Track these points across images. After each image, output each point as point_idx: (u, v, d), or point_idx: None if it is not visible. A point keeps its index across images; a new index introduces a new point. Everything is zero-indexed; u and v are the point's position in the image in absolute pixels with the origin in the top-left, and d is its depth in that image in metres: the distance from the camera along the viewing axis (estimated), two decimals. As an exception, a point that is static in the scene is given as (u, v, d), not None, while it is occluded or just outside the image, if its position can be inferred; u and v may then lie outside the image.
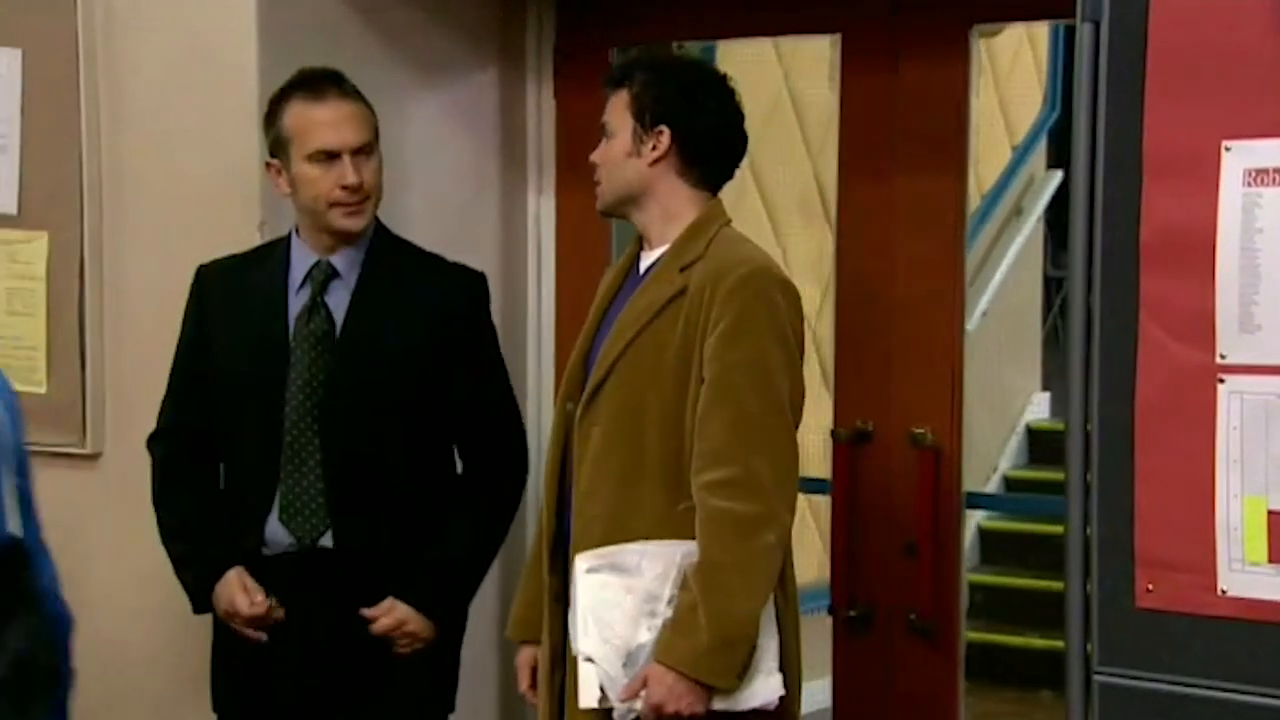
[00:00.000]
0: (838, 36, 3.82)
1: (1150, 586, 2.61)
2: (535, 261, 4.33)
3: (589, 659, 2.96)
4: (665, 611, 2.93)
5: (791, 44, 6.06)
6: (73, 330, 3.90)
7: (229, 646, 3.44)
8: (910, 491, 3.71)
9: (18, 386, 3.88)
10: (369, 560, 3.33)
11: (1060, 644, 6.21)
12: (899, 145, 3.72)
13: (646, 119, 3.09)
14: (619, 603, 2.95)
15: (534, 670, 3.26)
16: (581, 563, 2.99)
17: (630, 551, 2.97)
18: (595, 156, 3.18)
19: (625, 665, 2.94)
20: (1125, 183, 2.60)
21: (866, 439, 3.78)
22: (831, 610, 3.83)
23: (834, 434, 3.82)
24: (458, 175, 4.18)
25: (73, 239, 3.88)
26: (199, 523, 3.42)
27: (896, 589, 3.75)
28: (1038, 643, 6.51)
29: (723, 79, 3.18)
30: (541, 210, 4.33)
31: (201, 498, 3.44)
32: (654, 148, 3.09)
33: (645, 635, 2.94)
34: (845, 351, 3.85)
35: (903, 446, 3.72)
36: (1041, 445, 7.80)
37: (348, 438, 3.32)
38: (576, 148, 4.21)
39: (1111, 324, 2.62)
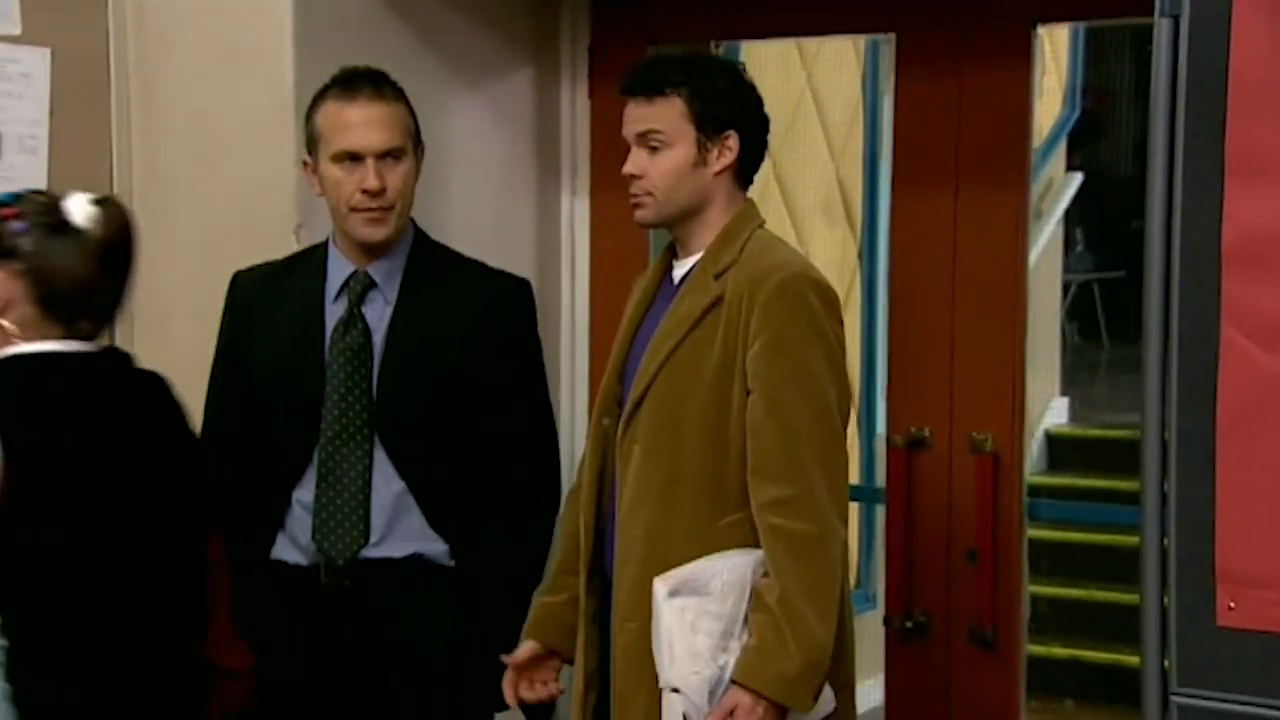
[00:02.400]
0: (891, 36, 3.76)
1: (1232, 604, 2.52)
2: (569, 265, 4.26)
3: (675, 690, 2.85)
4: (742, 634, 2.85)
5: (815, 43, 5.97)
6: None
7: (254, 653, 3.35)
8: (968, 498, 3.66)
9: (47, 395, 3.86)
10: (405, 576, 3.26)
11: (1085, 653, 6.20)
12: (959, 148, 3.66)
13: (710, 126, 2.96)
14: (705, 629, 2.85)
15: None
16: (661, 585, 2.88)
17: (705, 571, 2.87)
18: (636, 169, 3.00)
19: (711, 693, 2.84)
20: (1205, 184, 2.51)
21: (923, 445, 3.72)
22: (886, 620, 3.76)
23: (889, 440, 3.75)
24: (492, 177, 4.10)
25: (103, 244, 3.79)
26: (242, 572, 3.29)
27: (955, 598, 3.69)
28: (1060, 652, 6.44)
29: (743, 66, 3.11)
30: (575, 213, 4.25)
31: (245, 538, 3.31)
32: (720, 155, 2.97)
33: (725, 659, 2.85)
34: (899, 357, 3.79)
35: (961, 452, 3.67)
36: (1060, 451, 7.71)
37: (391, 456, 3.23)
38: (612, 149, 4.12)
39: (1191, 330, 2.54)
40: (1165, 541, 2.59)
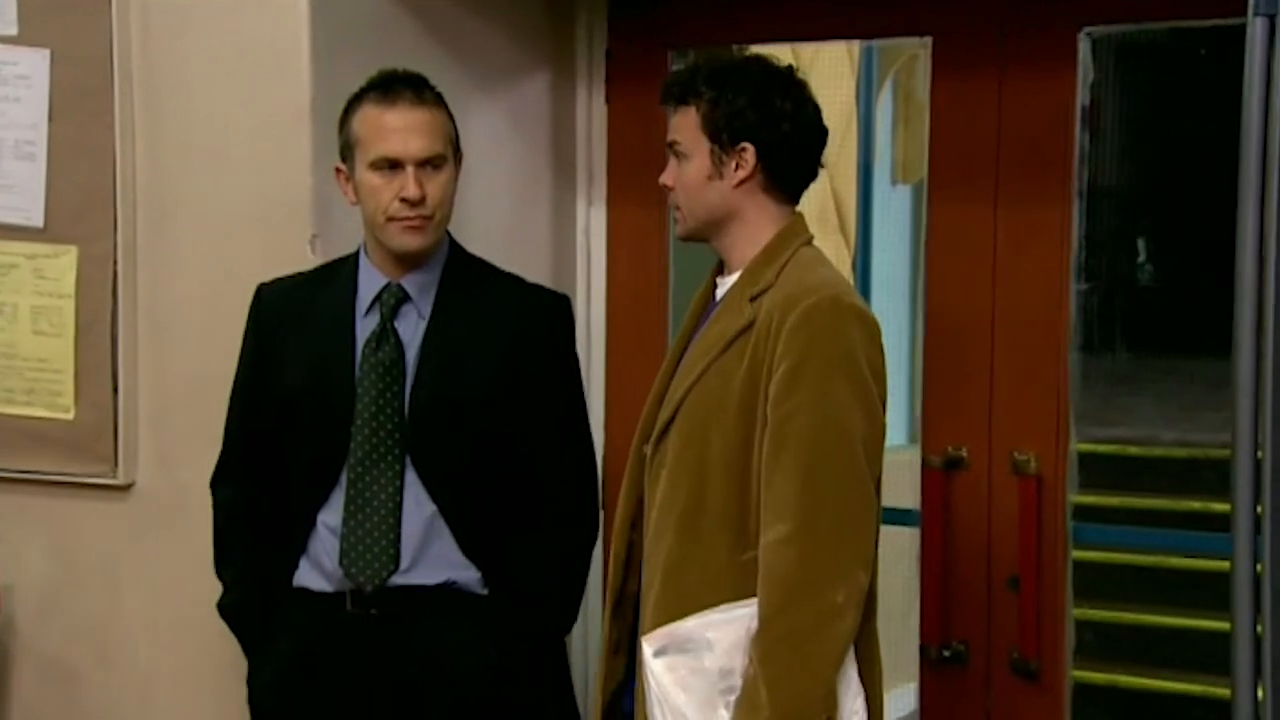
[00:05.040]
0: (927, 39, 3.62)
1: (1333, 636, 2.40)
2: (585, 278, 4.10)
3: None
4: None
5: (811, 50, 5.84)
6: (104, 351, 3.64)
7: (274, 684, 3.20)
8: (1009, 522, 3.51)
9: (42, 412, 3.70)
10: (436, 604, 3.11)
11: (1090, 676, 6.07)
12: (1000, 157, 3.53)
13: (724, 138, 2.83)
14: (688, 686, 2.73)
15: None
16: (648, 646, 2.78)
17: (694, 625, 2.74)
18: (667, 179, 2.92)
19: None
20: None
21: (960, 465, 3.57)
22: (921, 649, 3.62)
23: (925, 460, 3.61)
24: (507, 185, 3.94)
25: (104, 253, 3.62)
26: (262, 598, 3.20)
27: (994, 626, 3.55)
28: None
29: (791, 73, 2.90)
30: (591, 223, 4.10)
31: (265, 562, 3.20)
32: (738, 167, 2.83)
33: (724, 715, 2.71)
34: (935, 374, 3.64)
35: (1001, 473, 3.53)
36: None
37: (423, 478, 3.08)
38: (630, 157, 4.02)
39: (1287, 342, 2.41)
40: (1258, 567, 2.46)
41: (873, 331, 2.77)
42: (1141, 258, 12.87)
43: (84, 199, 3.63)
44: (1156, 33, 6.07)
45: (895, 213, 7.09)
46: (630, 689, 2.95)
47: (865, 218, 6.72)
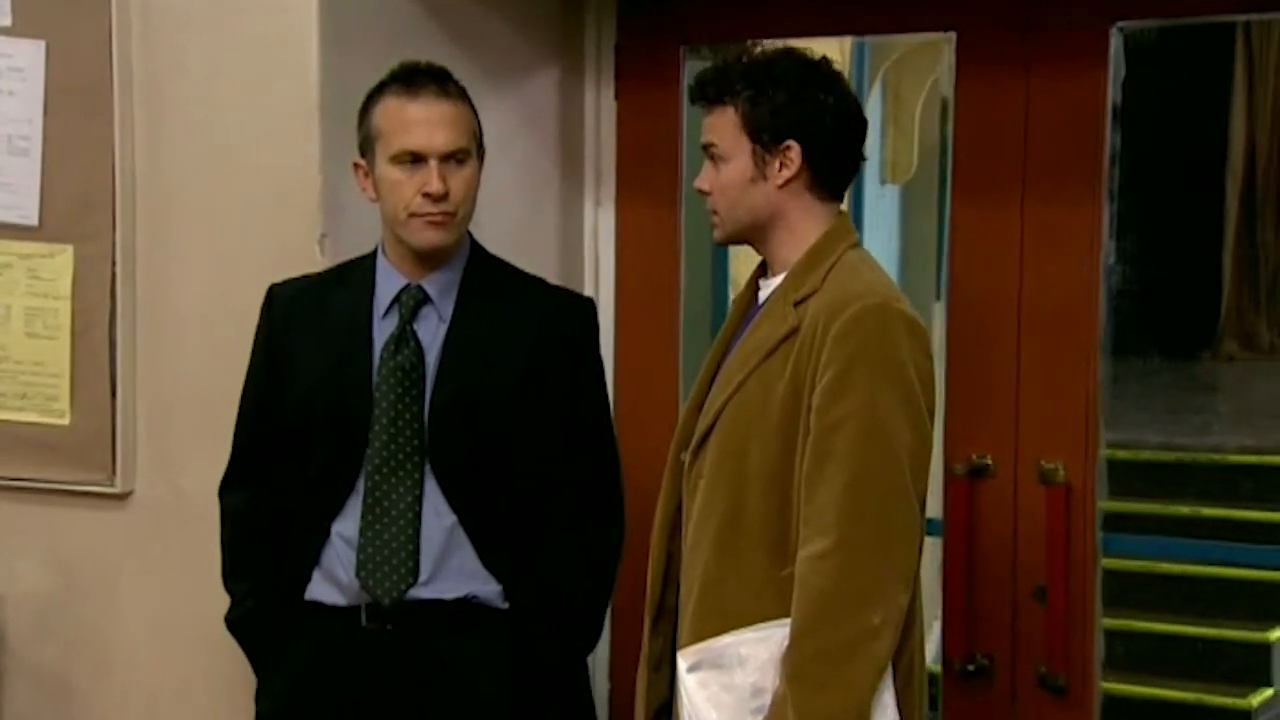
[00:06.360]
0: (951, 35, 3.52)
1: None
2: (593, 278, 4.00)
3: None
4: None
5: (800, 47, 5.75)
6: (101, 355, 3.53)
7: (285, 702, 3.10)
8: (1036, 532, 3.43)
9: (37, 417, 3.60)
10: (456, 619, 3.01)
11: (1120, 689, 5.99)
12: (1027, 157, 3.43)
13: (766, 137, 2.74)
14: (719, 703, 2.67)
15: None
16: (683, 661, 2.72)
17: (728, 643, 2.67)
18: (704, 184, 2.83)
19: None
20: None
21: (985, 474, 3.48)
22: (944, 662, 3.53)
23: (949, 468, 3.51)
24: (515, 183, 3.83)
25: (102, 253, 3.51)
26: (273, 612, 3.10)
27: (1020, 639, 3.46)
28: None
29: (827, 65, 2.81)
30: (600, 223, 3.99)
31: (277, 574, 3.11)
32: (782, 167, 2.74)
33: None
34: (958, 379, 3.53)
35: (1028, 482, 3.44)
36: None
37: (443, 486, 2.99)
38: (639, 155, 3.93)
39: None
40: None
41: (921, 339, 2.69)
42: (1111, 259, 12.73)
43: (81, 196, 3.53)
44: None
45: (884, 213, 7.02)
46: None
47: (855, 218, 6.63)
